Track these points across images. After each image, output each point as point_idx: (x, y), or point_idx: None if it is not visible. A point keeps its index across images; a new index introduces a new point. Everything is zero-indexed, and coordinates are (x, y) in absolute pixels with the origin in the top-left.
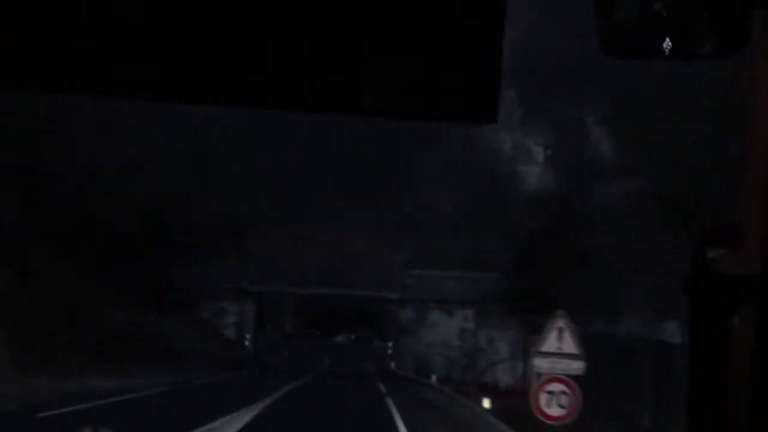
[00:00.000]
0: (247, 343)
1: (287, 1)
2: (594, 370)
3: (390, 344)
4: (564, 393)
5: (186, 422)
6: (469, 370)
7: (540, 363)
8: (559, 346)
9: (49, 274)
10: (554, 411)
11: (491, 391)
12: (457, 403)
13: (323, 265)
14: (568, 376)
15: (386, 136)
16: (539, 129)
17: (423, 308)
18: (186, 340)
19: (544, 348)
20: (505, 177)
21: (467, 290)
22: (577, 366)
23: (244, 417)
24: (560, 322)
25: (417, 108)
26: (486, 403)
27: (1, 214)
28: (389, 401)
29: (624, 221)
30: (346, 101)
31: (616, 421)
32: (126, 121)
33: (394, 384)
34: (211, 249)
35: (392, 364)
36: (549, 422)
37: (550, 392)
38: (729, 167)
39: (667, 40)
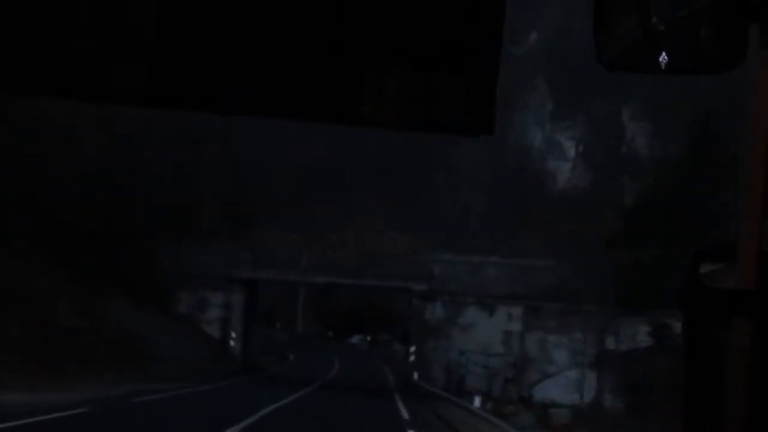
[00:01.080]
0: (232, 343)
1: (286, 10)
2: None
3: (413, 349)
4: None
5: None
6: (513, 385)
7: None
8: None
9: None
10: None
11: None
12: None
13: (339, 254)
14: None
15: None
16: (571, 123)
17: (455, 304)
18: (156, 339)
19: None
20: (535, 173)
21: (513, 281)
22: None
23: None
24: None
25: (414, 119)
26: None
27: None
28: None
29: None
30: (344, 111)
31: None
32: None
33: (418, 404)
34: (203, 227)
35: (415, 375)
36: None
37: None
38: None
39: (663, 54)
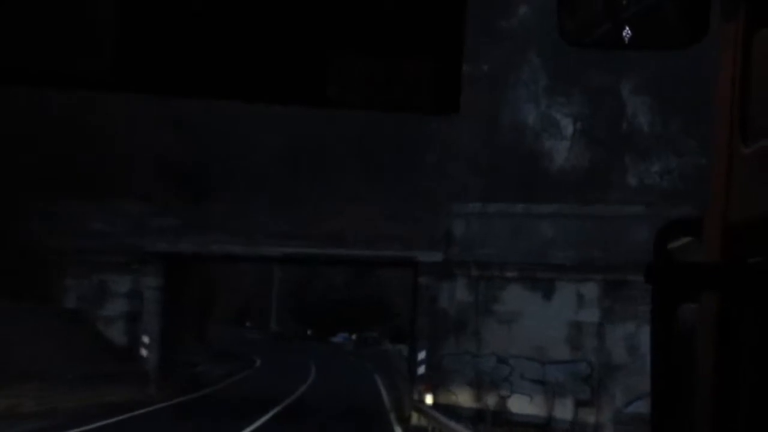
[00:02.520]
0: (144, 352)
1: None
2: None
3: (422, 356)
4: None
5: None
6: (591, 412)
7: None
8: None
9: None
10: None
11: None
12: None
13: (319, 226)
14: None
15: None
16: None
17: (488, 281)
18: (20, 349)
19: None
20: (530, 153)
21: (584, 241)
22: None
23: None
24: None
25: (380, 99)
26: None
27: None
28: None
29: None
30: (310, 93)
31: None
32: None
33: None
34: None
35: (427, 397)
36: None
37: None
38: None
39: (627, 29)
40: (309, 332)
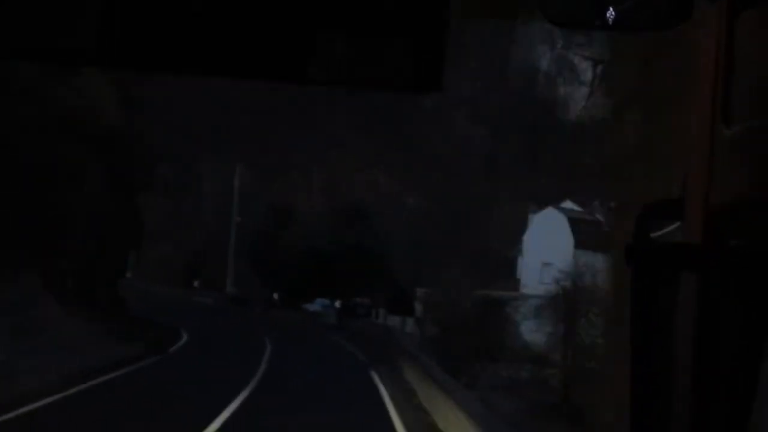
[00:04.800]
0: None
1: None
2: None
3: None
4: None
5: None
6: None
7: None
8: None
9: None
10: None
11: None
12: None
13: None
14: None
15: None
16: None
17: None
18: None
19: None
20: (542, 100)
21: None
22: None
23: None
24: None
25: (363, 77)
26: None
27: None
28: None
29: None
30: (293, 70)
31: None
32: None
33: None
34: None
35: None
36: None
37: None
38: None
39: (611, 9)
40: (275, 296)
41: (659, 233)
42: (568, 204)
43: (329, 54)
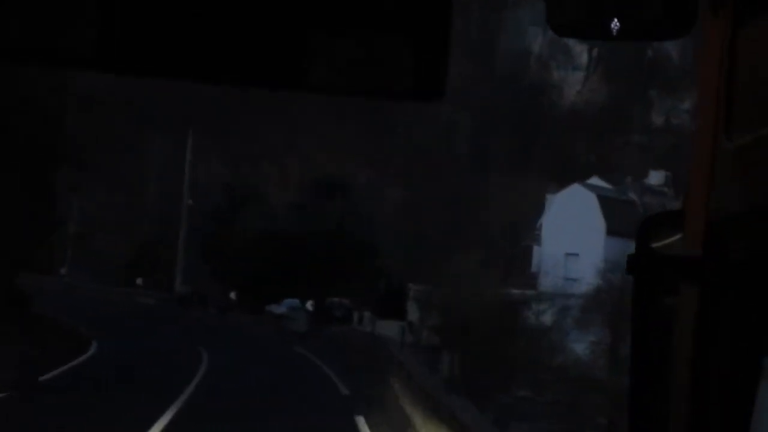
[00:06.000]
0: None
1: None
2: None
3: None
4: None
5: None
6: None
7: None
8: None
9: None
10: None
11: None
12: None
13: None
14: None
15: None
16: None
17: None
18: None
19: None
20: (533, 85)
21: None
22: None
23: None
24: None
25: (363, 84)
26: None
27: None
28: None
29: None
30: (291, 77)
31: None
32: None
33: None
34: None
35: None
36: None
37: None
38: None
39: (615, 20)
40: (232, 296)
41: (660, 244)
42: (595, 181)
43: (329, 60)
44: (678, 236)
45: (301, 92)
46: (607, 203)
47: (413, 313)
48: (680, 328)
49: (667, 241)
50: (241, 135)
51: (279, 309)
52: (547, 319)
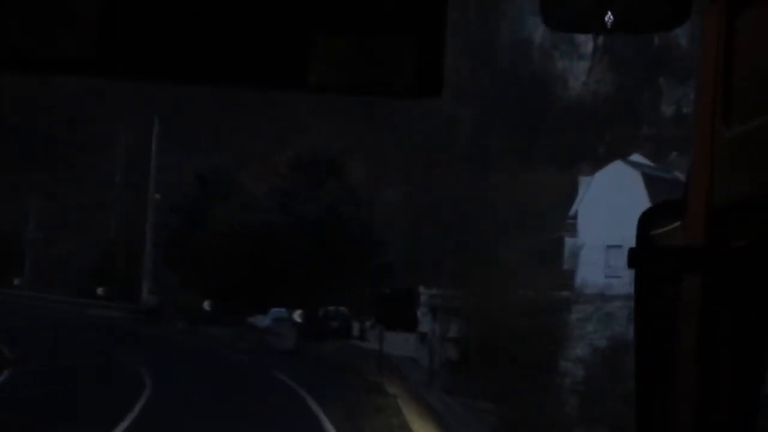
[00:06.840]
0: None
1: None
2: None
3: None
4: None
5: None
6: None
7: None
8: None
9: None
10: None
11: None
12: None
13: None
14: None
15: None
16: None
17: None
18: None
19: None
20: (536, 77)
21: None
22: None
23: None
24: None
25: (362, 83)
26: None
27: None
28: None
29: None
30: (292, 77)
31: None
32: None
33: None
34: None
35: None
36: None
37: None
38: None
39: (609, 13)
40: (206, 305)
41: (660, 231)
42: (636, 158)
43: (329, 60)
44: (679, 226)
45: (302, 92)
46: (652, 183)
47: (425, 323)
48: (683, 318)
49: (668, 231)
50: (220, 128)
51: (263, 321)
52: (591, 327)
